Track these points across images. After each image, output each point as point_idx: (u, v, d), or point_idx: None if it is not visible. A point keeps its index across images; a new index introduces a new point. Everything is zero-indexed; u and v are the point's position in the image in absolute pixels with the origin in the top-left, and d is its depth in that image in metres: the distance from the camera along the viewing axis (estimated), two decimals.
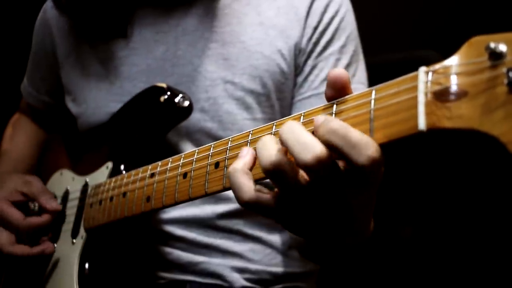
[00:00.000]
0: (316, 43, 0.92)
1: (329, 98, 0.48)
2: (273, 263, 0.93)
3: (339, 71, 0.46)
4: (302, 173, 0.44)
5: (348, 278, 1.22)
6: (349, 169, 0.43)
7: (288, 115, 0.92)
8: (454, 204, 1.28)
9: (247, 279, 0.91)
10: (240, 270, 0.91)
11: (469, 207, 1.29)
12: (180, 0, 0.94)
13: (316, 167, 0.41)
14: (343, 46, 0.92)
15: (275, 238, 0.95)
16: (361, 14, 1.04)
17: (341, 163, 0.44)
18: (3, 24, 1.69)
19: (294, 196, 0.45)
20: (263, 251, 0.93)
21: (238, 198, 0.48)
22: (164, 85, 0.86)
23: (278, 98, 0.92)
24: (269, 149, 0.44)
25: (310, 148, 0.41)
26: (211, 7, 0.93)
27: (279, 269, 0.93)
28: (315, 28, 0.92)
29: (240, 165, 0.48)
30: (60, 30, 1.03)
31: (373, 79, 0.95)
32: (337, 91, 0.47)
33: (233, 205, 0.91)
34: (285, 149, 0.44)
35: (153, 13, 0.95)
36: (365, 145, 0.40)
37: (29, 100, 1.16)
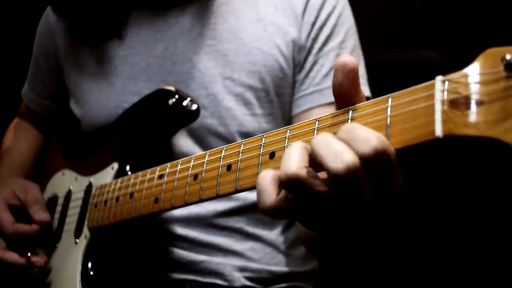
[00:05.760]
0: (315, 39, 0.92)
1: (336, 86, 0.48)
2: (273, 262, 0.94)
3: (347, 57, 0.46)
4: (319, 183, 0.44)
5: (348, 278, 1.23)
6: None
7: (288, 111, 0.95)
8: (455, 204, 1.29)
9: (247, 278, 0.91)
10: (241, 269, 0.91)
11: (471, 207, 1.31)
12: (173, 1, 0.94)
13: (346, 176, 0.41)
14: (342, 41, 0.93)
15: (276, 237, 0.96)
16: (361, 14, 1.05)
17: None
18: (4, 30, 1.68)
19: (308, 205, 0.46)
20: (264, 250, 0.94)
21: (260, 203, 0.48)
22: (172, 88, 0.87)
23: (276, 93, 0.93)
24: (289, 161, 0.44)
25: (339, 156, 0.41)
26: (208, 4, 0.94)
27: (279, 268, 0.94)
28: (313, 24, 0.92)
29: (271, 173, 0.47)
30: (61, 33, 1.04)
31: (374, 79, 0.95)
32: (345, 76, 0.46)
33: (234, 203, 0.92)
34: (306, 163, 0.44)
35: (150, 12, 0.96)
36: (365, 136, 0.41)
37: (31, 105, 1.16)
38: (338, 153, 0.41)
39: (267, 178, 0.47)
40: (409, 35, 1.54)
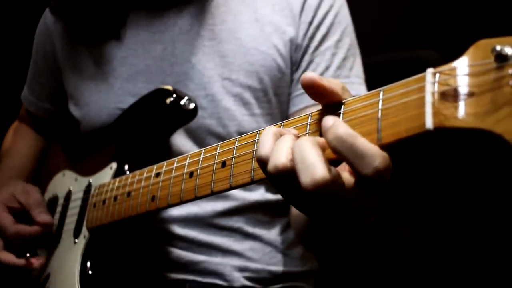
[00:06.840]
0: (311, 38, 0.93)
1: (317, 100, 0.49)
2: (272, 262, 0.94)
3: (309, 74, 0.47)
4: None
5: (347, 278, 1.23)
6: (355, 177, 0.44)
7: (286, 110, 0.95)
8: (455, 203, 1.29)
9: (247, 278, 0.91)
10: (240, 269, 0.91)
11: (470, 206, 1.30)
12: (171, 2, 0.94)
13: (314, 190, 0.42)
14: (338, 41, 0.93)
15: (275, 237, 0.96)
16: (361, 14, 1.05)
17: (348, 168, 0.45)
18: (4, 33, 1.69)
19: (292, 195, 0.47)
20: (263, 250, 0.94)
21: (256, 151, 0.49)
22: (170, 87, 0.87)
23: (275, 93, 0.93)
24: (278, 153, 0.45)
25: (310, 170, 0.41)
26: (206, 5, 0.94)
27: (278, 268, 0.94)
28: (310, 23, 0.93)
29: (274, 129, 0.49)
30: (59, 34, 1.04)
31: (374, 79, 0.95)
32: (318, 92, 0.48)
33: (233, 203, 0.92)
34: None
35: (148, 14, 0.96)
36: (371, 156, 0.41)
37: (31, 108, 1.16)
38: (310, 166, 0.42)
39: (270, 132, 0.48)
40: (409, 35, 1.54)
